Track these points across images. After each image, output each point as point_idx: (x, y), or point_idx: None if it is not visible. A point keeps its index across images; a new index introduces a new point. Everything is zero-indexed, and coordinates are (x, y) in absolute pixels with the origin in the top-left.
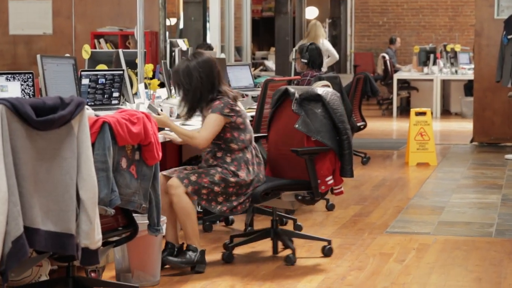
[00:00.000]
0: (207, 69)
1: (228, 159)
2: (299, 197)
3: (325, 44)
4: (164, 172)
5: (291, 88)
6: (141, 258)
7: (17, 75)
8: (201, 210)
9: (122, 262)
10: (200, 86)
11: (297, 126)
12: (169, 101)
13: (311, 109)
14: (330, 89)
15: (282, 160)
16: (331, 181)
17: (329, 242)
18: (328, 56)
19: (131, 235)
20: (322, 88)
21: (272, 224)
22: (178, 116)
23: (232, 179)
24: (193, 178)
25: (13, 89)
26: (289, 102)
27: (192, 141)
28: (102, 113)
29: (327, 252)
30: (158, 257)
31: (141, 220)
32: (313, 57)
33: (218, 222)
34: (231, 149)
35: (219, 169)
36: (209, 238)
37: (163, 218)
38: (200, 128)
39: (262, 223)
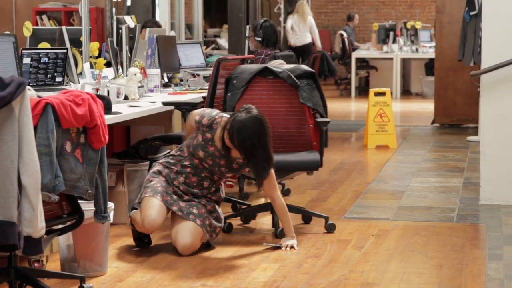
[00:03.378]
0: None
1: (213, 189)
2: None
3: (312, 21)
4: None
5: (273, 67)
6: (88, 247)
7: None
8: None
9: (67, 251)
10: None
11: (302, 100)
12: (116, 81)
13: (307, 85)
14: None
15: (277, 135)
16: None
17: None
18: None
19: (76, 222)
20: (307, 66)
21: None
22: (126, 98)
23: (210, 206)
24: (195, 211)
25: None
26: (263, 80)
27: (285, 207)
28: (44, 94)
29: (280, 234)
30: (105, 245)
31: (87, 207)
32: (268, 34)
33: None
34: (218, 183)
35: (206, 198)
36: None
37: (110, 205)
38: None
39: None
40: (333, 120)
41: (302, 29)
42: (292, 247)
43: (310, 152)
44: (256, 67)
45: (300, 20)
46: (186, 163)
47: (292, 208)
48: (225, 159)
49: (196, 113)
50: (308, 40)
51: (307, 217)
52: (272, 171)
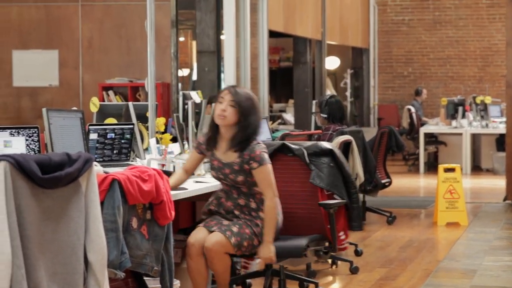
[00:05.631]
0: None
1: (253, 205)
2: (320, 253)
3: None
4: (200, 226)
5: (291, 144)
6: None
7: (22, 129)
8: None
9: None
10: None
11: (312, 180)
12: (182, 157)
13: (321, 164)
14: (333, 144)
15: (286, 217)
16: (343, 237)
17: None
18: None
19: None
20: (327, 143)
21: (279, 285)
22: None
23: (257, 230)
24: (235, 229)
25: (18, 145)
26: (284, 157)
27: (275, 209)
28: (111, 170)
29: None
30: None
31: (153, 284)
32: (334, 110)
33: (234, 286)
34: (254, 193)
35: (255, 219)
36: None
37: (176, 282)
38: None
39: None
40: (401, 196)
41: None
42: (266, 258)
43: (301, 237)
44: (276, 143)
45: None
46: (219, 193)
47: None
48: (225, 166)
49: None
50: None
51: None
52: (269, 166)
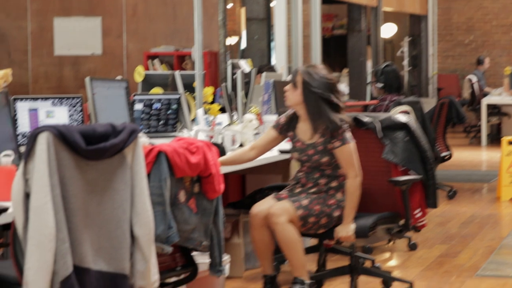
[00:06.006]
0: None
1: (334, 184)
2: (392, 231)
3: None
4: (271, 197)
5: (364, 117)
6: None
7: (65, 99)
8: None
9: None
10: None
11: (385, 155)
12: (231, 128)
13: (396, 138)
14: (410, 117)
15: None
16: (419, 214)
17: (411, 284)
18: None
19: (190, 276)
20: (403, 115)
21: (351, 261)
22: (241, 145)
23: (336, 214)
24: (305, 202)
25: (60, 115)
26: (357, 131)
27: (358, 189)
28: (157, 141)
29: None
30: None
31: (201, 260)
32: (390, 80)
33: (286, 262)
34: (338, 175)
35: (329, 199)
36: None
37: (226, 257)
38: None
39: (336, 263)
40: (462, 170)
41: None
42: (345, 237)
43: (370, 216)
44: (350, 116)
45: None
46: (298, 174)
47: (373, 272)
48: (308, 147)
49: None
50: None
51: (387, 282)
52: (352, 145)
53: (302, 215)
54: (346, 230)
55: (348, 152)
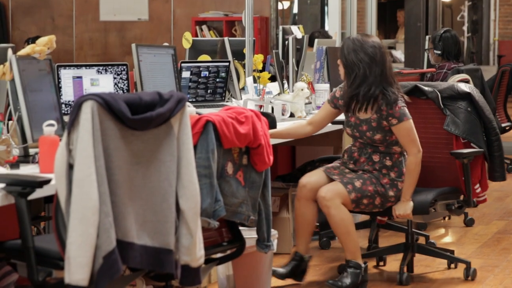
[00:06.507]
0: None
1: (388, 163)
2: (452, 207)
3: None
4: (321, 169)
5: (424, 85)
6: (249, 278)
7: (110, 67)
8: (318, 224)
9: (226, 282)
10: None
11: (446, 127)
12: (281, 97)
13: (457, 108)
14: (473, 86)
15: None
16: (479, 189)
17: (468, 264)
18: None
19: (237, 251)
20: (466, 84)
21: (407, 239)
22: (292, 115)
23: (391, 193)
24: (357, 184)
25: (105, 83)
26: (418, 101)
27: (418, 166)
28: (205, 111)
29: (470, 274)
30: (267, 277)
31: (249, 235)
32: (448, 47)
33: (336, 238)
34: (392, 152)
35: (382, 177)
36: (326, 256)
37: (274, 233)
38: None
39: (387, 239)
40: None
41: None
42: (403, 215)
43: (429, 191)
44: (408, 85)
45: None
46: (352, 148)
47: (428, 250)
48: (362, 122)
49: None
50: None
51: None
52: (410, 122)
53: (355, 198)
54: (405, 208)
55: (407, 129)
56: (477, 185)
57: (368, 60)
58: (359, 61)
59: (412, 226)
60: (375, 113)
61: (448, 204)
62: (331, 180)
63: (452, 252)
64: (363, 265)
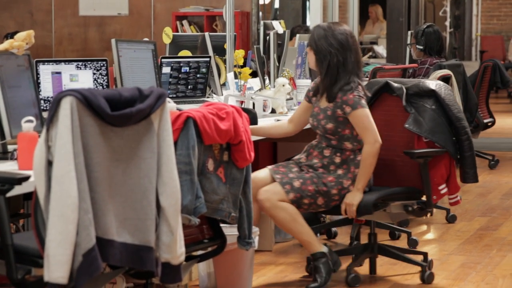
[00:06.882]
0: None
1: (337, 160)
2: (409, 208)
3: None
4: (269, 168)
5: (394, 82)
6: (230, 276)
7: (89, 62)
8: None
9: (207, 279)
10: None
11: (407, 125)
12: (263, 93)
13: (422, 106)
14: (441, 82)
15: (382, 166)
16: (445, 190)
17: (424, 268)
18: None
19: (218, 248)
20: (433, 81)
21: (369, 239)
22: (273, 111)
23: (334, 191)
24: (296, 184)
25: (85, 79)
26: (389, 98)
27: (373, 157)
28: (185, 107)
29: (425, 279)
30: (249, 274)
31: (230, 232)
32: (431, 42)
33: (318, 235)
34: (343, 148)
35: (326, 176)
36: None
37: (255, 230)
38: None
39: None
40: (506, 138)
41: None
42: (347, 204)
43: (383, 189)
44: (380, 82)
45: None
46: (313, 142)
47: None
48: (321, 111)
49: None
50: None
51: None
52: (365, 110)
53: (294, 199)
54: (352, 197)
55: (361, 116)
56: (443, 186)
57: (340, 48)
58: (331, 48)
59: (374, 226)
60: (331, 101)
61: (405, 205)
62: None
63: (425, 254)
64: (325, 250)
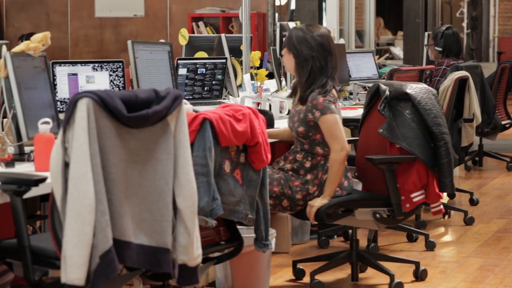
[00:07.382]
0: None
1: (307, 164)
2: (377, 216)
3: None
4: None
5: (383, 85)
6: (247, 277)
7: (105, 64)
8: (316, 223)
9: (224, 281)
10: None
11: (381, 130)
12: (279, 95)
13: (398, 110)
14: (424, 86)
15: (371, 171)
16: (419, 198)
17: (401, 286)
18: None
19: (235, 250)
20: (414, 84)
21: (351, 246)
22: (289, 112)
23: (298, 196)
24: None
25: (101, 80)
26: (379, 101)
27: (339, 164)
28: (201, 108)
29: (420, 275)
30: (265, 276)
31: (247, 234)
32: (450, 44)
33: (335, 237)
34: (314, 153)
35: (294, 180)
36: None
37: (272, 232)
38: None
39: (387, 238)
40: None
41: None
42: (308, 209)
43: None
44: (373, 87)
45: None
46: (292, 146)
47: (378, 256)
48: (296, 113)
49: None
50: None
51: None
52: (333, 116)
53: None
54: (314, 201)
55: (328, 123)
56: (417, 193)
57: (322, 51)
58: (312, 52)
59: (356, 233)
60: (304, 105)
61: (374, 212)
62: None
63: (418, 264)
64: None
